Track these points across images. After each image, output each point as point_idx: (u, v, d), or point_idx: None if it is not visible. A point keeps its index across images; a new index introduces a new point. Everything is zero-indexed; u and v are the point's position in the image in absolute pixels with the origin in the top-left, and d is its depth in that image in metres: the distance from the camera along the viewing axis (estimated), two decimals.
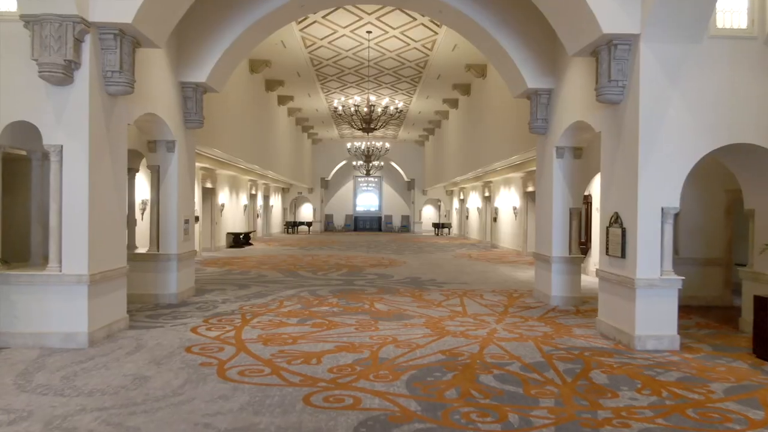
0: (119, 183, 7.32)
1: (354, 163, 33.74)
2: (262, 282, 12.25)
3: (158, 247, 9.46)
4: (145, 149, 9.53)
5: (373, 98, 14.79)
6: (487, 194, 26.34)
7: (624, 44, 6.85)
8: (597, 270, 7.71)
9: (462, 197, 33.05)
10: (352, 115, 14.91)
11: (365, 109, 14.66)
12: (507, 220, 22.60)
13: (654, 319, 6.66)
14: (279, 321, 8.04)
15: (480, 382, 5.33)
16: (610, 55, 6.98)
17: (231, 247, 22.69)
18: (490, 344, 6.80)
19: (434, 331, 7.47)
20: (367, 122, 14.71)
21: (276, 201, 34.75)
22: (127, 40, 6.91)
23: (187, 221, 10.03)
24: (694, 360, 6.24)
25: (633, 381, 5.43)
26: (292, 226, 36.31)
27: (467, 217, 31.56)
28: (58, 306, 6.48)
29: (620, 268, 7.06)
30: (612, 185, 7.36)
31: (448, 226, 36.20)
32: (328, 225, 41.44)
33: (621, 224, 7.04)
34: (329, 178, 40.03)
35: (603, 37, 6.86)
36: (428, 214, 42.77)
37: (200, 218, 19.12)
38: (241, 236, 23.50)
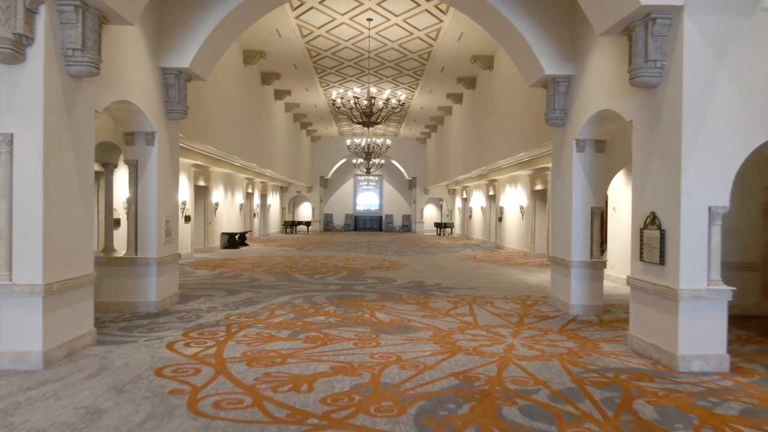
0: (85, 179, 6.41)
1: (354, 161, 32.83)
2: (254, 287, 11.34)
3: (136, 251, 8.55)
4: (122, 142, 8.62)
5: (373, 90, 13.83)
6: (491, 193, 25.42)
7: (664, 18, 5.93)
8: (628, 278, 6.79)
9: (465, 196, 32.14)
10: (351, 109, 14.00)
11: (365, 102, 13.74)
12: (513, 219, 21.69)
13: (700, 336, 5.75)
14: (268, 334, 7.13)
15: (503, 417, 4.42)
16: (647, 32, 6.06)
17: (226, 247, 21.79)
18: (509, 364, 5.89)
19: (444, 348, 6.56)
20: (368, 116, 13.80)
21: (274, 200, 33.85)
22: (91, 13, 6.00)
23: (169, 222, 9.12)
24: (749, 385, 5.33)
25: (687, 416, 4.51)
26: (290, 225, 35.41)
27: (470, 216, 30.65)
28: (7, 321, 5.57)
29: (658, 277, 6.15)
30: (647, 181, 6.45)
31: (451, 225, 35.29)
32: (328, 225, 40.54)
33: (659, 226, 6.13)
34: (328, 176, 39.12)
35: (640, 10, 5.94)
36: (430, 213, 41.86)
37: (192, 218, 18.23)
38: (237, 236, 22.59)
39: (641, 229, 6.48)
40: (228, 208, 22.84)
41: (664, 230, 6.04)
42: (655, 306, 6.21)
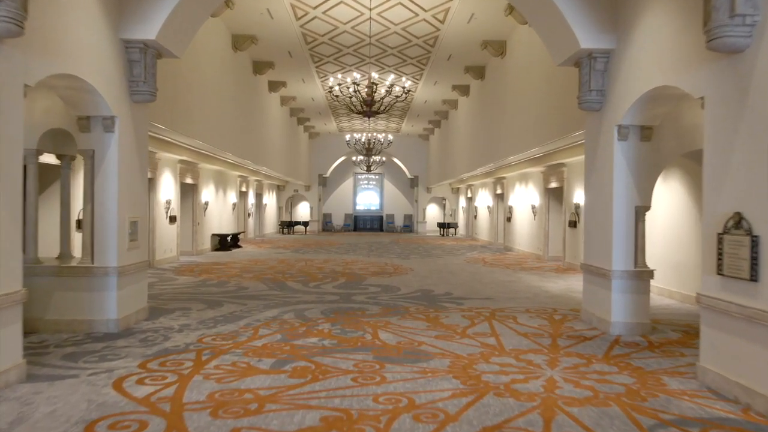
0: (11, 171, 5.01)
1: (354, 158, 31.44)
2: (239, 297, 9.95)
3: (93, 258, 7.16)
4: (76, 128, 7.22)
5: (375, 75, 12.43)
6: (499, 191, 24.02)
7: None
8: (698, 296, 5.39)
9: (470, 195, 30.74)
10: (350, 97, 12.61)
11: (365, 90, 12.35)
12: (524, 220, 20.29)
13: None
14: (246, 365, 5.73)
15: None
16: None
17: (216, 249, 20.40)
18: (555, 412, 4.49)
19: (467, 385, 5.16)
20: (369, 104, 12.41)
21: (270, 199, 32.46)
22: None
23: (135, 224, 7.72)
24: None
25: None
26: (287, 226, 34.02)
27: (476, 216, 29.26)
28: None
29: (748, 297, 4.75)
30: (728, 173, 5.04)
31: (454, 226, 33.89)
32: (327, 225, 39.15)
33: (749, 231, 4.73)
34: (327, 174, 37.72)
35: None
36: (432, 213, 40.46)
37: (178, 218, 16.84)
38: (229, 238, 21.20)
39: (719, 234, 5.08)
40: (219, 208, 21.44)
41: (756, 236, 4.64)
42: (741, 334, 4.81)
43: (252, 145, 20.51)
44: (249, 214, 26.70)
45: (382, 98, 12.76)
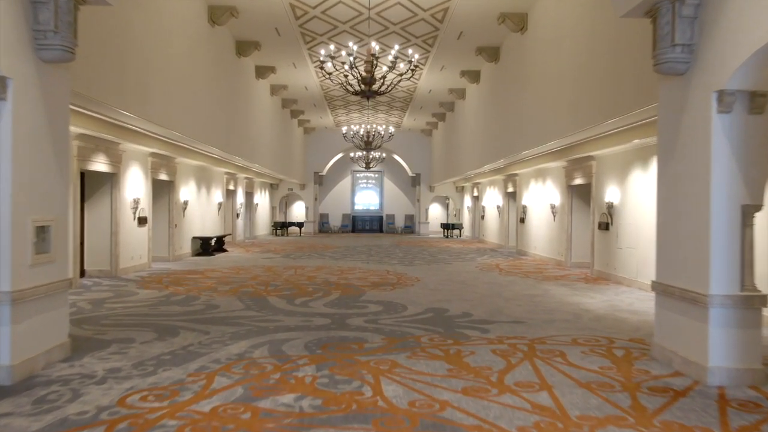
0: None
1: (351, 155, 29.37)
2: (204, 321, 7.84)
3: None
4: None
5: (375, 46, 10.30)
6: (510, 189, 21.91)
7: None
8: None
9: (476, 194, 28.63)
10: (346, 75, 10.51)
11: (364, 65, 10.25)
12: (541, 221, 18.18)
13: None
14: None
15: None
16: None
17: (198, 254, 18.29)
18: None
19: None
20: (368, 82, 10.30)
21: (262, 199, 30.34)
22: None
23: (47, 229, 5.59)
24: None
25: None
26: (280, 227, 31.90)
27: (483, 216, 27.15)
28: None
29: None
30: None
31: (459, 227, 31.76)
32: (323, 226, 37.03)
33: None
34: (324, 173, 35.59)
35: None
36: (435, 213, 38.37)
37: (149, 220, 14.74)
38: (213, 241, 19.09)
39: None
40: (202, 208, 19.32)
41: None
42: None
43: (238, 139, 18.40)
44: (238, 215, 24.58)
45: (384, 75, 10.61)
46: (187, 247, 17.73)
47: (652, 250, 10.95)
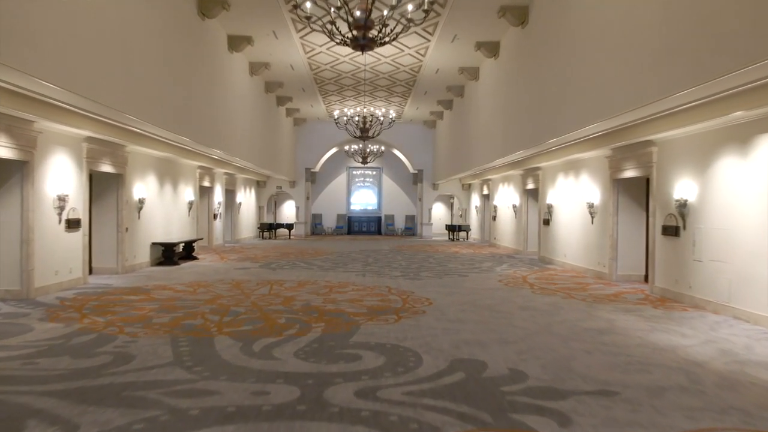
0: None
1: (346, 148, 26.22)
2: (85, 398, 4.71)
3: None
4: None
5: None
6: (531, 186, 18.80)
7: None
8: None
9: (486, 192, 25.51)
10: (333, 21, 7.35)
11: (357, 5, 7.13)
12: (573, 223, 15.07)
13: None
14: None
15: None
16: None
17: (160, 263, 15.14)
18: None
19: None
20: (363, 27, 7.14)
21: (247, 197, 27.16)
22: None
23: None
24: None
25: None
26: (267, 229, 28.72)
27: (494, 217, 24.02)
28: None
29: None
30: None
31: (466, 229, 28.61)
32: (316, 227, 33.83)
33: None
34: (316, 169, 32.41)
35: None
36: (437, 213, 35.25)
37: (86, 222, 11.60)
38: (179, 247, 15.96)
39: None
40: (166, 208, 16.16)
41: None
42: None
43: (209, 124, 15.25)
44: (216, 216, 21.41)
45: (384, 20, 7.43)
46: (144, 255, 14.56)
47: (758, 266, 7.84)
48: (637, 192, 12.53)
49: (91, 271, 12.83)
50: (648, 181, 11.53)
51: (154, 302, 9.29)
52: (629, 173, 11.89)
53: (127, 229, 13.43)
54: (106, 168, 12.32)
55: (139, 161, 14.08)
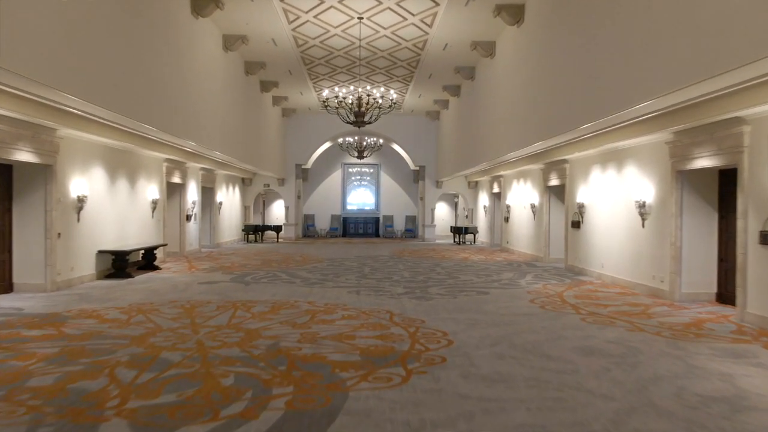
0: None
1: (340, 141, 23.44)
2: None
3: None
4: None
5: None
6: (555, 182, 16.10)
7: None
8: None
9: (497, 190, 22.77)
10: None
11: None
12: (615, 226, 12.33)
13: None
14: None
15: None
16: None
17: (109, 276, 12.37)
18: None
19: None
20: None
21: (230, 196, 24.38)
22: None
23: None
24: None
25: None
26: (252, 231, 25.94)
27: (507, 218, 21.28)
28: None
29: None
30: None
31: (474, 231, 25.87)
32: (308, 229, 31.01)
33: None
34: (308, 165, 29.61)
35: None
36: (441, 214, 32.52)
37: None
38: (134, 256, 13.20)
39: None
40: (120, 207, 13.38)
41: None
42: None
43: (171, 107, 12.48)
44: (189, 217, 18.62)
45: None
46: (87, 267, 11.78)
47: None
48: (706, 188, 9.83)
49: (12, 289, 10.10)
50: (723, 173, 8.80)
51: (58, 342, 6.53)
52: (702, 162, 9.16)
53: (59, 234, 10.66)
54: (25, 157, 9.54)
55: (79, 150, 11.31)
